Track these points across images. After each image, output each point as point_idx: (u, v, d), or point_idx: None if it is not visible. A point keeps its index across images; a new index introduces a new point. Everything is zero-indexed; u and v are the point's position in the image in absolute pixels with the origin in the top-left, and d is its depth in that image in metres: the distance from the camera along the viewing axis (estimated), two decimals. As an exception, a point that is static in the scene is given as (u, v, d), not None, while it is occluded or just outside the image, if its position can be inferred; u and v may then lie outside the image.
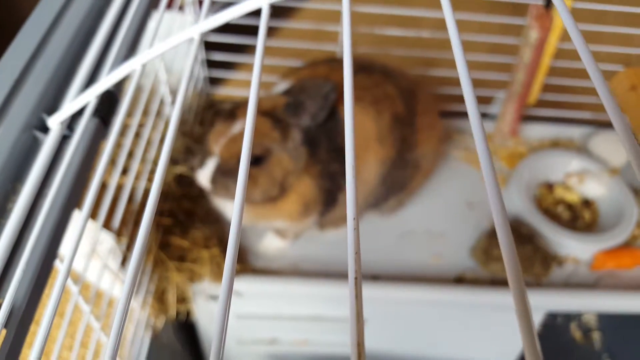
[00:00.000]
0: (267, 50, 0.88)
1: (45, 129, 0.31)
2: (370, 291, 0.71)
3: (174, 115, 0.24)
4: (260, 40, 0.23)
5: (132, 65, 0.27)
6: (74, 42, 0.36)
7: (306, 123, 0.58)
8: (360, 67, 0.68)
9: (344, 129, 0.63)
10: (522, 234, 0.74)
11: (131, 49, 0.37)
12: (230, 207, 0.65)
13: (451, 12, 0.20)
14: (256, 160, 0.57)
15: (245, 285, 0.70)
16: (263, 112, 0.57)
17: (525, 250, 0.73)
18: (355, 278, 0.14)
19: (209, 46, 0.83)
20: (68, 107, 0.30)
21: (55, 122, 0.31)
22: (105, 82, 0.28)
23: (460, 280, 0.75)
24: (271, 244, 0.75)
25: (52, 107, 0.32)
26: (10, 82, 0.32)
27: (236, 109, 0.58)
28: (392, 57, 0.77)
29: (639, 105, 0.82)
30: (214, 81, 0.88)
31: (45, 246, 0.27)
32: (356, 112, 0.64)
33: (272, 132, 0.56)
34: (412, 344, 0.87)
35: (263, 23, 0.23)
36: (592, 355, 0.89)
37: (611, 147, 0.87)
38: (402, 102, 0.67)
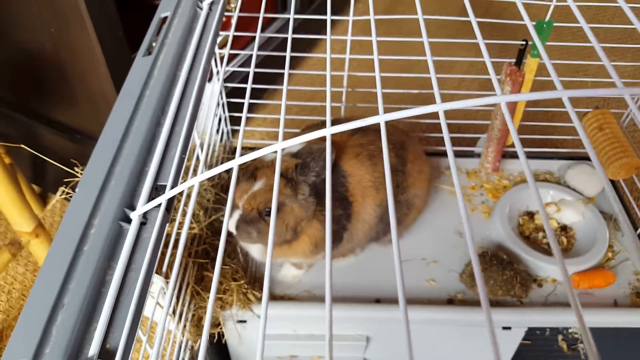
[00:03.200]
0: (273, 108, 1.00)
1: (127, 220, 0.45)
2: (372, 313, 0.84)
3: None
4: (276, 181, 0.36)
5: (191, 182, 0.40)
6: (143, 146, 0.50)
7: (312, 179, 0.72)
8: (357, 128, 0.81)
9: (343, 180, 0.77)
10: (503, 260, 0.86)
11: (187, 139, 0.51)
12: (253, 248, 0.79)
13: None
14: (272, 212, 0.70)
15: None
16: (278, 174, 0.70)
17: (506, 275, 0.85)
18: None
19: (231, 103, 0.98)
20: (145, 206, 0.43)
21: (135, 215, 0.44)
22: (171, 192, 0.42)
23: (451, 301, 0.87)
24: (288, 273, 0.88)
25: (130, 203, 0.46)
26: (98, 186, 0.46)
27: (256, 171, 0.72)
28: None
29: (606, 144, 0.94)
30: (236, 132, 1.02)
31: (135, 305, 0.41)
32: (355, 166, 0.77)
33: (285, 189, 0.70)
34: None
35: (278, 164, 0.36)
36: (580, 364, 1.00)
37: (585, 178, 0.98)
38: (394, 154, 0.80)
